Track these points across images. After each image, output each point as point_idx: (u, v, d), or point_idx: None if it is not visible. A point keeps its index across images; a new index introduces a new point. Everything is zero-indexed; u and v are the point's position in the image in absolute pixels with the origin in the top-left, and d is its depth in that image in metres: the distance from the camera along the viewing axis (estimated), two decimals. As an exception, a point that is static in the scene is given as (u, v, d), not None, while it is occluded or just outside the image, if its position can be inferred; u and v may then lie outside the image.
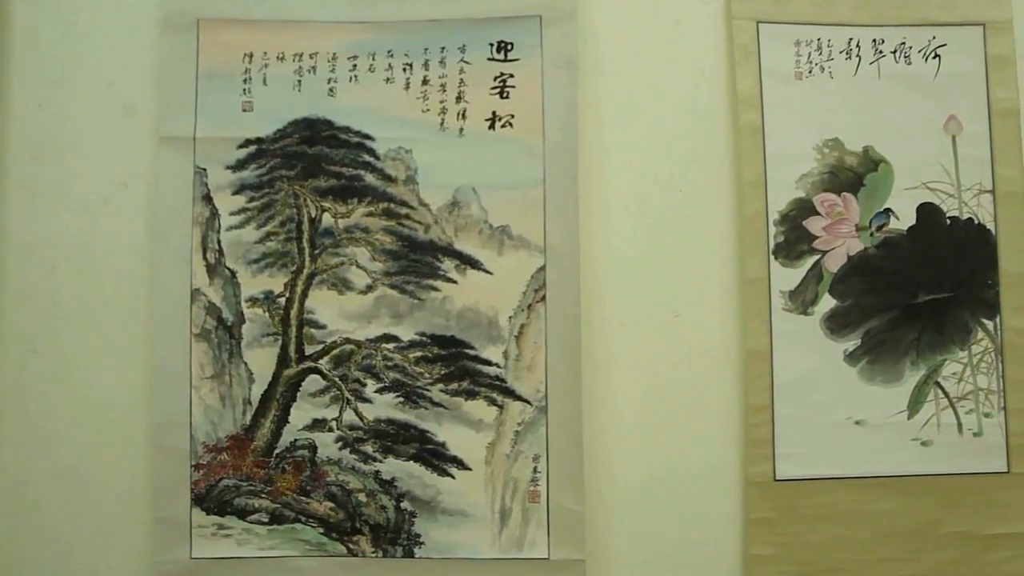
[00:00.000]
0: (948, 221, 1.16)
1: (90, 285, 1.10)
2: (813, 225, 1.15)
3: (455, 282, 1.09)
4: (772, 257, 1.13)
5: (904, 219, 1.16)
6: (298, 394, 1.08)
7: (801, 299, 1.14)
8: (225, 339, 1.08)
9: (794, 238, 1.14)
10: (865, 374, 1.15)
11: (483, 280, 1.09)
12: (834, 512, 1.12)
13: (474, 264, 1.09)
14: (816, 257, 1.14)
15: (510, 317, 1.08)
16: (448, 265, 1.09)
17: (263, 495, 1.07)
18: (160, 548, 1.07)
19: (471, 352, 1.08)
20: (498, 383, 1.08)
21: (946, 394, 1.15)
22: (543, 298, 1.08)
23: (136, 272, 1.10)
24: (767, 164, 1.14)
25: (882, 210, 1.16)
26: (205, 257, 1.08)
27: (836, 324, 1.15)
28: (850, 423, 1.14)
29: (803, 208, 1.14)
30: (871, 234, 1.16)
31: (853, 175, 1.16)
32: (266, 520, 1.07)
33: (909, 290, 1.16)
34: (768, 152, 1.14)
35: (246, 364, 1.08)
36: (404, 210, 1.09)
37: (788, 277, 1.13)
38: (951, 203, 1.16)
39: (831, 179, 1.16)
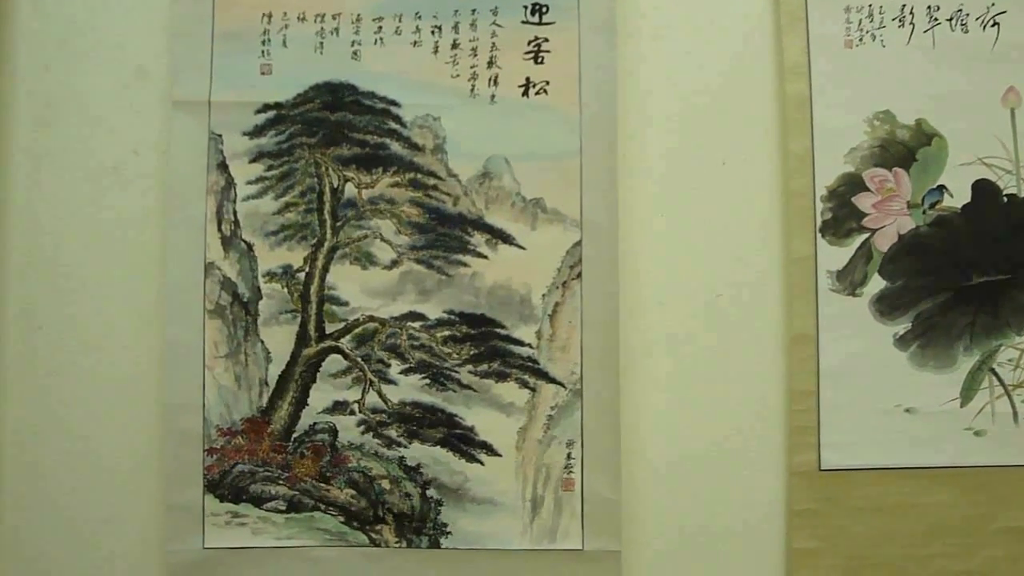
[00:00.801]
0: (1005, 199, 1.10)
1: (98, 258, 1.05)
2: (862, 202, 1.08)
3: (485, 257, 1.03)
4: (819, 235, 1.07)
5: (958, 196, 1.10)
6: (318, 375, 1.03)
7: (849, 280, 1.07)
8: (241, 316, 1.02)
9: (842, 215, 1.08)
10: (915, 359, 1.09)
11: (515, 255, 1.03)
12: (882, 504, 1.07)
13: (506, 238, 1.03)
14: (865, 236, 1.08)
15: (543, 295, 1.03)
16: (478, 239, 1.03)
17: (280, 481, 1.02)
18: (171, 537, 1.01)
19: (502, 331, 1.03)
20: (530, 364, 1.03)
21: (1001, 381, 1.10)
22: (579, 275, 1.03)
23: (147, 244, 1.05)
24: (814, 137, 1.06)
25: (935, 187, 1.10)
26: (220, 229, 1.03)
27: (885, 306, 1.09)
28: (899, 411, 1.08)
29: (852, 184, 1.08)
30: (923, 212, 1.10)
31: (905, 150, 1.10)
32: (283, 508, 1.02)
33: (963, 271, 1.10)
34: (816, 124, 1.07)
35: (263, 343, 1.02)
36: (432, 181, 1.04)
37: (836, 256, 1.07)
38: (1008, 180, 1.10)
39: (881, 153, 1.09)
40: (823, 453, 1.05)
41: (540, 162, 1.03)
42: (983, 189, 1.11)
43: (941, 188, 1.10)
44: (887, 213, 1.10)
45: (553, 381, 1.03)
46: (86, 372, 1.04)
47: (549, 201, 1.03)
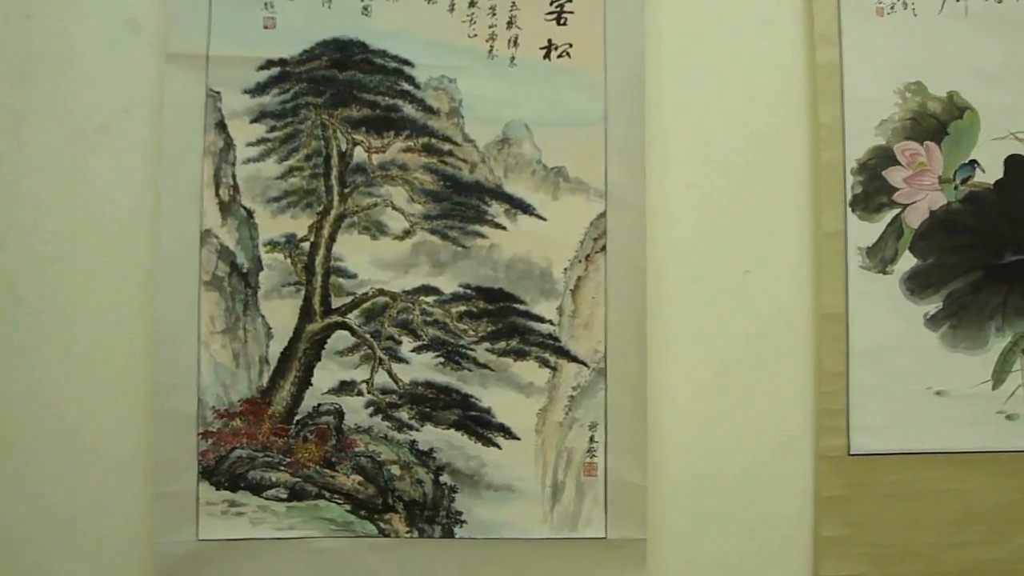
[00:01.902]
0: (1038, 175, 1.06)
1: (84, 224, 0.99)
2: (893, 176, 1.05)
3: (504, 228, 0.99)
4: (849, 210, 1.03)
5: (991, 172, 1.06)
6: (323, 352, 0.98)
7: (880, 256, 1.04)
8: (240, 288, 0.97)
9: (873, 189, 1.04)
10: (947, 340, 1.06)
11: (536, 227, 0.99)
12: (912, 491, 1.03)
13: (526, 209, 0.99)
14: (896, 211, 1.04)
15: (565, 269, 0.99)
16: (496, 209, 0.99)
17: (282, 467, 0.97)
18: (163, 528, 0.95)
19: (521, 307, 0.99)
20: (551, 342, 0.99)
21: (1033, 364, 1.06)
22: (603, 248, 0.99)
23: (138, 210, 0.98)
24: (844, 107, 1.03)
25: (967, 161, 1.06)
26: (218, 193, 0.97)
27: (916, 285, 1.06)
28: (930, 393, 1.05)
29: (883, 157, 1.04)
30: (955, 187, 1.06)
31: (936, 122, 1.06)
32: (285, 496, 0.97)
33: (995, 249, 1.07)
34: (846, 95, 1.03)
35: (263, 317, 0.97)
36: (447, 146, 0.99)
37: (866, 232, 1.04)
38: (1041, 155, 1.06)
39: (913, 126, 1.05)
40: (852, 437, 1.02)
41: (562, 128, 0.99)
42: (1016, 164, 1.07)
43: (973, 163, 1.07)
44: (918, 188, 1.07)
45: (575, 360, 0.99)
46: (70, 348, 0.98)
47: (572, 170, 0.99)
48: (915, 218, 1.06)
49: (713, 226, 1.03)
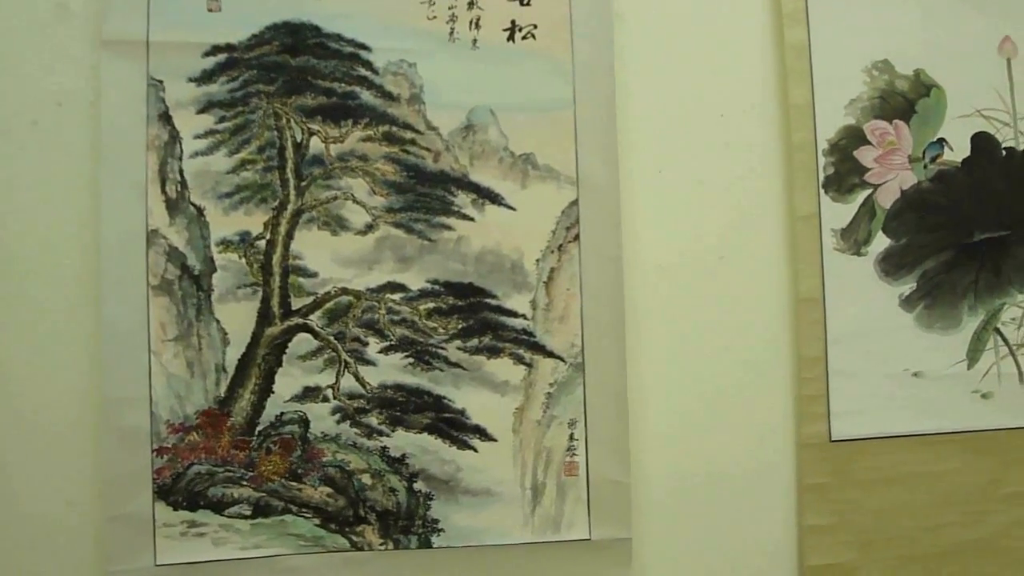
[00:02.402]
0: (1004, 152, 1.06)
1: (18, 229, 0.92)
2: (864, 156, 1.04)
3: (472, 219, 0.96)
4: (822, 191, 1.03)
5: (959, 150, 1.06)
6: (284, 357, 0.93)
7: (853, 238, 1.03)
8: (191, 292, 0.92)
9: (845, 170, 1.04)
10: (922, 321, 1.05)
11: (505, 217, 0.96)
12: (892, 475, 1.03)
13: (494, 198, 0.96)
14: (868, 191, 1.04)
15: (537, 260, 0.96)
16: (463, 199, 0.95)
17: (244, 482, 0.92)
18: (116, 555, 0.89)
19: (493, 302, 0.96)
20: (525, 337, 0.96)
21: (1006, 341, 1.06)
22: (576, 237, 0.96)
23: (77, 211, 0.92)
24: (815, 87, 1.02)
25: (935, 140, 1.05)
26: (164, 190, 0.92)
27: (890, 266, 1.05)
28: (907, 375, 1.04)
29: (853, 137, 1.04)
30: (924, 166, 1.05)
31: (904, 101, 1.05)
32: (249, 513, 0.92)
33: (965, 228, 1.06)
34: (815, 74, 1.02)
35: (218, 322, 0.92)
36: (409, 134, 0.95)
37: (839, 214, 1.03)
38: (1007, 132, 1.06)
39: (881, 105, 1.04)
40: (833, 423, 1.02)
41: (529, 114, 0.96)
42: (982, 142, 1.08)
43: (941, 141, 1.06)
44: (889, 167, 1.06)
45: (551, 355, 0.96)
46: (7, 363, 0.92)
47: (541, 156, 0.96)
48: (887, 198, 1.05)
49: (686, 212, 1.02)
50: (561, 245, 0.96)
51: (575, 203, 0.96)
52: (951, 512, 1.04)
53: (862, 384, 1.03)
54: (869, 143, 1.05)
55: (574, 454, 0.96)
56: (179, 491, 0.91)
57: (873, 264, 1.04)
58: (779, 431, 1.02)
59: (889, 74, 1.06)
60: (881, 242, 1.05)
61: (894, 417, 1.04)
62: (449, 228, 0.95)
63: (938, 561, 1.03)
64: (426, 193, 0.95)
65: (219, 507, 0.92)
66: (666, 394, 1.00)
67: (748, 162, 1.03)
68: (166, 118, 0.92)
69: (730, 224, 1.02)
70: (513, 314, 0.96)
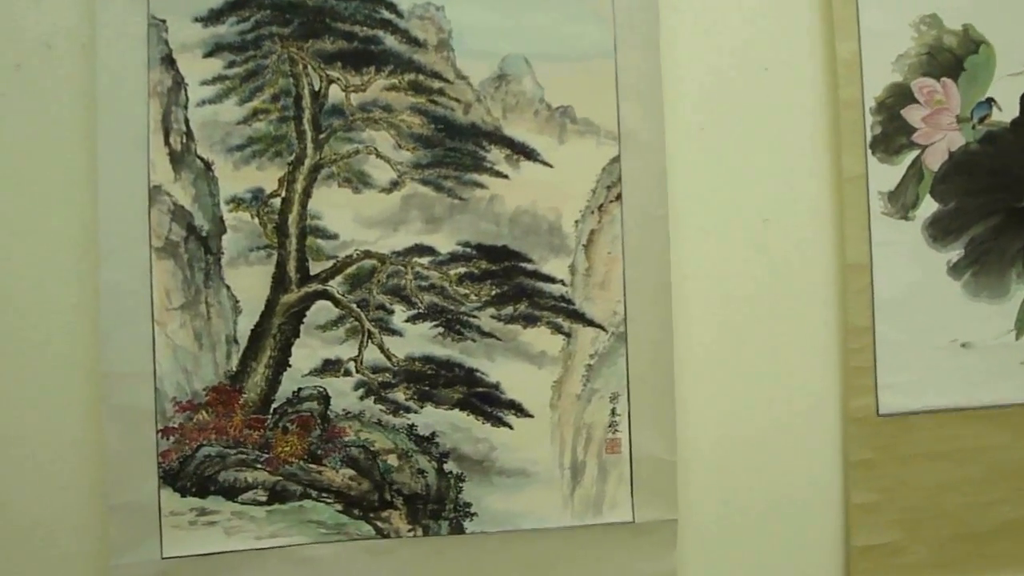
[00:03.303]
0: (1054, 112, 1.02)
1: (6, 185, 0.85)
2: (912, 115, 0.99)
3: (505, 177, 0.90)
4: (869, 152, 0.98)
5: (1007, 110, 1.01)
6: (302, 327, 0.88)
7: (901, 202, 0.99)
8: (199, 255, 0.86)
9: (892, 130, 0.99)
10: (970, 288, 1.01)
11: (541, 174, 0.90)
12: (940, 450, 1.00)
13: (529, 154, 0.90)
14: (916, 152, 1.00)
15: (577, 221, 0.91)
16: (496, 155, 0.90)
17: (259, 465, 0.87)
18: (119, 547, 0.83)
19: (528, 266, 0.91)
20: (564, 305, 0.91)
21: (1054, 310, 1.03)
22: (618, 197, 0.91)
23: (70, 166, 0.85)
24: (861, 41, 0.98)
25: (984, 99, 1.00)
26: (168, 142, 0.85)
27: (938, 231, 1.00)
28: (955, 346, 1.00)
29: (901, 95, 0.99)
30: (973, 127, 1.01)
31: (952, 58, 1.00)
32: (264, 499, 0.87)
33: (1014, 192, 1.02)
34: (862, 27, 0.98)
35: (229, 288, 0.87)
36: (437, 83, 0.89)
37: (887, 175, 0.99)
38: (1057, 92, 1.02)
39: (929, 62, 1.00)
40: (880, 396, 0.99)
41: (567, 63, 0.91)
42: (1032, 102, 1.03)
43: (990, 101, 1.02)
44: (937, 128, 1.01)
45: (592, 324, 0.92)
46: None
47: (579, 109, 0.91)
48: (934, 160, 1.01)
49: (728, 171, 0.97)
50: (602, 205, 0.91)
51: (616, 160, 0.91)
52: (1001, 488, 1.01)
53: (909, 355, 0.99)
54: (917, 102, 1.00)
55: (616, 430, 0.92)
56: (187, 476, 0.86)
57: (921, 229, 1.00)
58: (826, 404, 0.99)
59: (937, 29, 1.00)
60: (929, 206, 1.00)
61: (941, 390, 1.00)
62: (481, 186, 0.90)
63: (988, 539, 1.01)
64: (456, 148, 0.90)
65: (231, 493, 0.87)
66: (709, 365, 0.96)
67: (793, 119, 0.98)
68: (169, 62, 0.85)
69: (774, 185, 0.98)
70: (550, 279, 0.91)
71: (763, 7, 0.98)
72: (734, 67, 0.97)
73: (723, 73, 0.97)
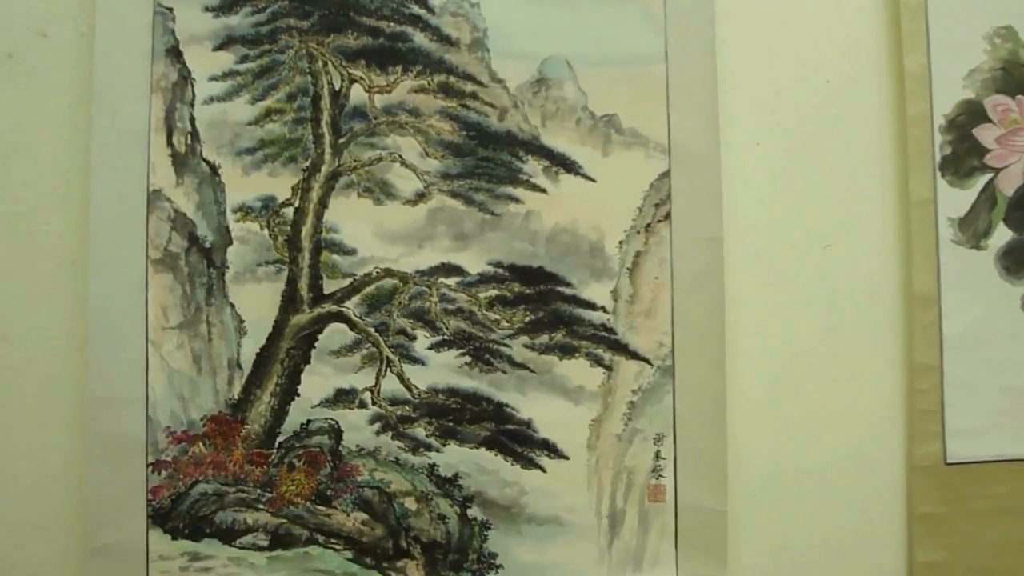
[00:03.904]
0: None
1: None
2: (984, 135, 0.94)
3: (543, 191, 0.86)
4: (938, 174, 0.93)
5: (1089, 131, 0.97)
6: (313, 352, 0.84)
7: (972, 229, 0.93)
8: (201, 269, 0.83)
9: (963, 150, 0.93)
10: (1045, 326, 0.96)
11: (582, 189, 0.86)
12: (1014, 504, 0.93)
13: (569, 167, 0.86)
14: (989, 176, 0.94)
15: (621, 242, 0.87)
16: (533, 166, 0.86)
17: (261, 506, 0.83)
18: None
19: (566, 291, 0.86)
20: (605, 335, 0.87)
21: None
22: (667, 215, 0.87)
23: (61, 166, 0.82)
24: (931, 54, 0.92)
25: (1063, 120, 0.96)
26: (171, 143, 0.82)
27: (1012, 262, 0.94)
28: (1029, 389, 0.95)
29: (972, 112, 0.93)
30: (1050, 149, 0.96)
31: (1029, 74, 0.96)
32: (265, 543, 0.83)
33: (1095, 221, 0.97)
34: (932, 39, 0.92)
35: (233, 307, 0.83)
36: (470, 86, 0.85)
37: (957, 200, 0.93)
38: None
39: (1004, 77, 0.94)
40: (949, 443, 0.92)
41: (613, 68, 0.86)
42: (1113, 124, 0.97)
43: (1070, 121, 0.97)
44: (1012, 149, 0.95)
45: (635, 356, 0.87)
46: None
47: (626, 119, 0.87)
48: (1009, 184, 0.95)
49: (786, 192, 0.92)
50: (649, 225, 0.87)
51: (666, 175, 0.87)
52: (1079, 550, 0.95)
53: (979, 398, 0.93)
54: (990, 121, 0.94)
55: (660, 476, 0.87)
56: (179, 515, 0.82)
57: (993, 260, 0.94)
58: (889, 451, 0.92)
59: (1013, 42, 0.95)
60: (1002, 235, 0.94)
61: (1017, 437, 0.94)
62: (516, 200, 0.86)
63: (1066, 605, 0.95)
64: (489, 157, 0.85)
65: (229, 536, 0.83)
66: (762, 405, 0.90)
67: (856, 137, 0.93)
68: (176, 54, 0.82)
69: (836, 208, 0.92)
70: (591, 306, 0.87)
71: (826, 16, 0.93)
72: (794, 79, 0.92)
73: (781, 85, 0.92)
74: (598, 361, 0.86)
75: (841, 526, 0.91)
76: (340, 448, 0.84)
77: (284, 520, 0.83)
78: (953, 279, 0.92)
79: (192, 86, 0.82)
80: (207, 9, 0.81)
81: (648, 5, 0.86)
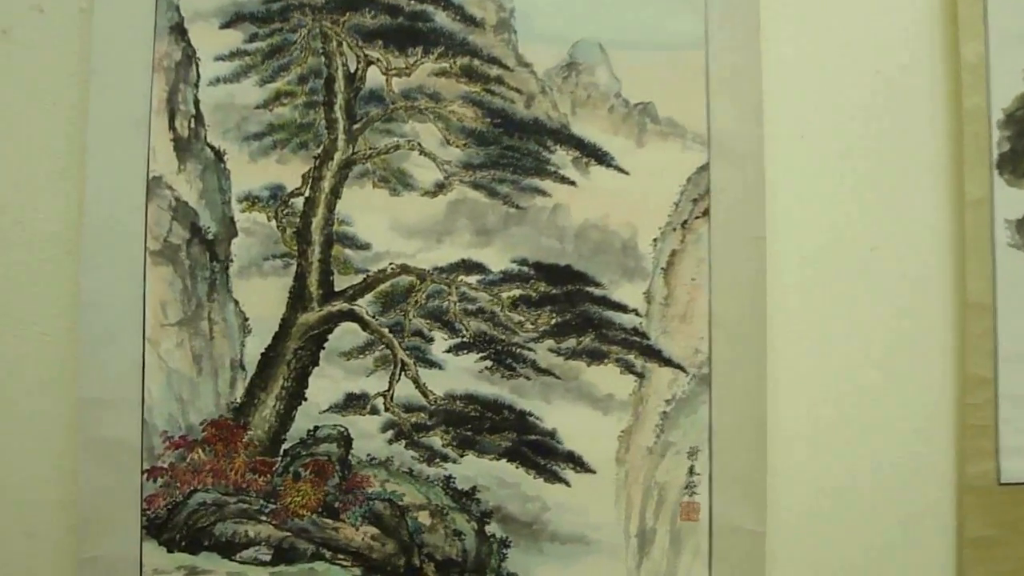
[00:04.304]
0: None
1: None
2: (1044, 130, 0.91)
3: (572, 183, 0.83)
4: (995, 172, 0.89)
5: None
6: (322, 354, 0.82)
7: None
8: (203, 262, 0.81)
9: (1022, 147, 0.89)
10: (1103, 337, 0.93)
11: (615, 182, 0.83)
12: None
13: (601, 158, 0.83)
14: None
15: (655, 240, 0.83)
16: (562, 157, 0.83)
17: (263, 517, 0.81)
18: None
19: (596, 291, 0.83)
20: (637, 339, 0.84)
21: None
22: (705, 212, 0.83)
23: (55, 149, 0.80)
24: (989, 42, 0.89)
25: None
26: (173, 126, 0.80)
27: (1073, 268, 0.91)
28: (1087, 404, 0.92)
29: None
30: (1117, 148, 0.93)
31: (1094, 66, 0.93)
32: (268, 558, 0.81)
33: None
34: (990, 27, 0.89)
35: (237, 303, 0.81)
36: (495, 70, 0.82)
37: (1015, 201, 0.89)
38: None
39: (1067, 69, 0.92)
40: (1002, 461, 0.88)
41: (650, 52, 0.84)
42: None
43: None
44: None
45: (669, 363, 0.84)
46: None
47: (662, 107, 0.83)
48: None
49: (831, 189, 0.89)
50: (686, 221, 0.84)
51: (705, 168, 0.83)
52: None
53: None
54: None
55: (694, 493, 0.84)
56: (176, 527, 0.80)
57: None
58: (939, 469, 0.89)
59: None
60: None
61: None
62: (543, 193, 0.83)
63: (1126, 639, 0.91)
64: (514, 147, 0.83)
65: (229, 550, 0.81)
66: (805, 419, 0.86)
67: (908, 131, 0.90)
68: (180, 32, 0.80)
69: (885, 207, 0.89)
70: (622, 308, 0.84)
71: (877, 2, 0.90)
72: (841, 67, 0.89)
73: (828, 74, 0.89)
74: (629, 368, 0.83)
75: (887, 550, 0.88)
76: (349, 457, 0.82)
77: (288, 533, 0.81)
78: (1009, 285, 0.88)
79: (197, 66, 0.80)
80: (214, -16, 0.77)
81: (685, -14, 0.83)
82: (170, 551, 0.80)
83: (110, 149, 0.79)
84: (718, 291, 0.83)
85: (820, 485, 0.87)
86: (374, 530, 0.82)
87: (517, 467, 0.82)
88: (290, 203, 0.81)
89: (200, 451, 0.81)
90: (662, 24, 0.83)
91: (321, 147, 0.81)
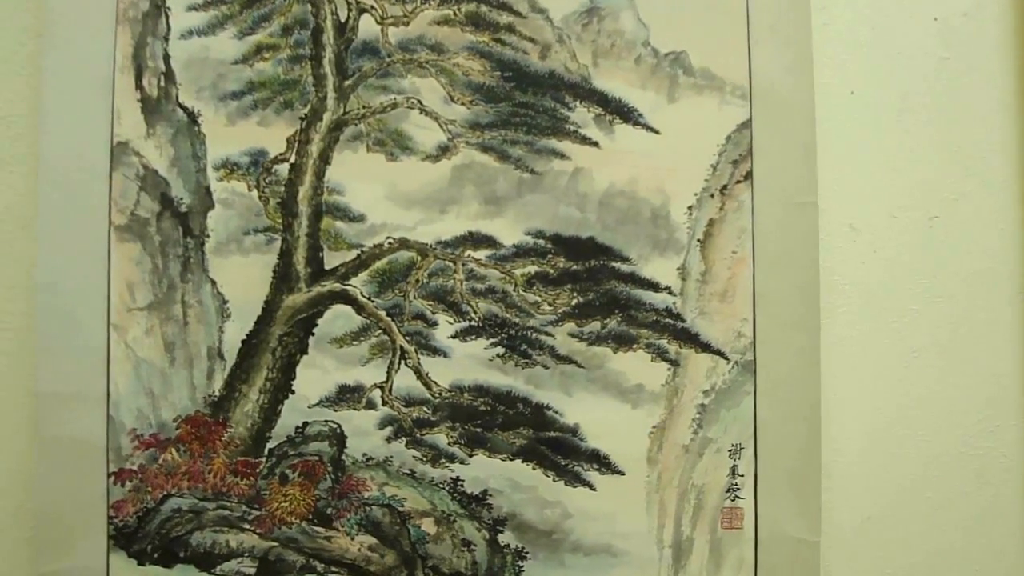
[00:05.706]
0: None
1: None
2: None
3: (595, 144, 0.77)
4: None
5: None
6: (311, 341, 0.77)
7: None
8: (176, 238, 0.76)
9: None
10: None
11: (643, 143, 0.77)
12: None
13: (627, 115, 0.77)
14: None
15: (690, 207, 0.77)
16: (583, 115, 0.77)
17: (246, 525, 0.76)
18: None
19: (623, 267, 0.77)
20: (671, 322, 0.78)
21: None
22: (747, 175, 0.77)
23: (7, 111, 0.75)
24: None
25: None
26: (140, 85, 0.75)
27: None
28: None
29: None
30: None
31: None
32: (252, 571, 0.76)
33: None
34: None
35: (214, 284, 0.76)
36: (505, 17, 0.77)
37: None
38: None
39: None
40: None
41: None
42: None
43: None
44: None
45: (707, 349, 0.78)
46: None
47: (697, 57, 0.78)
48: None
49: (885, 151, 0.83)
50: (725, 187, 0.77)
51: (746, 125, 0.77)
52: None
53: None
54: None
55: (737, 497, 0.78)
56: (148, 536, 0.75)
57: None
58: (1012, 471, 0.82)
59: None
60: None
61: None
62: (561, 156, 0.77)
63: None
64: (528, 103, 0.77)
65: (208, 562, 0.76)
66: (861, 413, 0.80)
67: (970, 86, 0.83)
68: None
69: (945, 171, 0.83)
70: (653, 286, 0.77)
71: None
72: (897, 14, 0.83)
73: (882, 21, 0.83)
74: (661, 354, 0.77)
75: (956, 560, 0.83)
76: (343, 457, 0.77)
77: (275, 543, 0.76)
78: (1087, 261, 0.81)
79: (167, 16, 0.75)
80: (184, -78, 0.70)
81: (722, -80, 0.75)
82: (141, 564, 0.75)
83: (69, 111, 0.74)
84: (763, 265, 0.77)
85: (879, 487, 0.82)
86: (371, 540, 0.77)
87: (534, 468, 0.77)
88: (273, 170, 0.76)
89: (174, 451, 0.76)
90: (696, -38, 0.74)
91: (308, 107, 0.76)
